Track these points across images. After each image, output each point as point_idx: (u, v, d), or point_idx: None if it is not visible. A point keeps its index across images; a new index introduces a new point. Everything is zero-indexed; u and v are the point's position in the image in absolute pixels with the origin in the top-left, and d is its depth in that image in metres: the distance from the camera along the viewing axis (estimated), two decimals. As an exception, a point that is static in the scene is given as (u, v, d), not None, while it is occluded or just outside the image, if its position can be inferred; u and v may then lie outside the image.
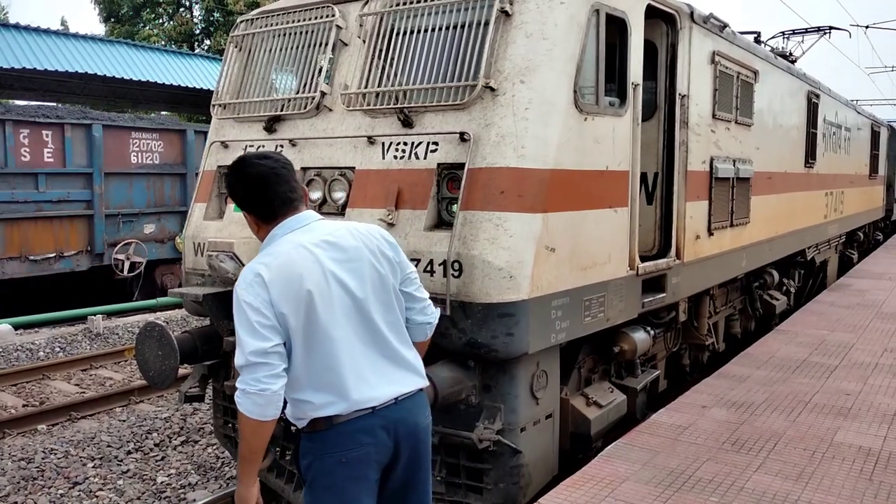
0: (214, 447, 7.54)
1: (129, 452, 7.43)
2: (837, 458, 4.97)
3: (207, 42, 33.72)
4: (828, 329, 9.09)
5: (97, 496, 6.52)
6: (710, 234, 6.81)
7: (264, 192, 2.81)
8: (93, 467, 7.06)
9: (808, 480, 4.61)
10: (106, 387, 9.92)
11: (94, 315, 12.54)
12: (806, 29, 13.80)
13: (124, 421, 8.25)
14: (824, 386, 6.68)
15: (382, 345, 2.79)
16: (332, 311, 2.68)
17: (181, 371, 6.13)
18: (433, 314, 3.07)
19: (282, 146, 5.42)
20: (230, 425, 5.90)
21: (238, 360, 2.65)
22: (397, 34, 5.01)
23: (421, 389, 2.91)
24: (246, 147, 5.67)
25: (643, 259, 5.69)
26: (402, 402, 2.80)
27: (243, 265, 5.10)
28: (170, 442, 7.72)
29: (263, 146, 5.55)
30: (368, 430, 2.73)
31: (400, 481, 2.86)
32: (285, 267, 2.66)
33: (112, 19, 33.93)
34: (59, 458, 7.19)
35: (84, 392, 9.63)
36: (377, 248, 2.84)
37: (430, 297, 4.44)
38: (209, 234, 5.63)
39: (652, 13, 5.65)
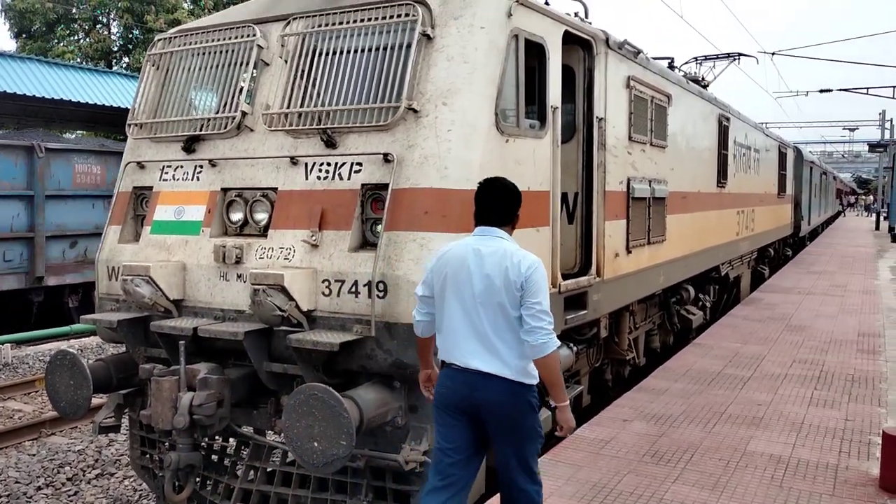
0: (132, 479, 7.24)
1: (39, 488, 7.04)
2: (750, 467, 5.18)
3: (126, 59, 32.77)
4: (741, 342, 9.48)
5: (3, 536, 6.16)
6: (629, 252, 7.03)
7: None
8: (-2, 505, 6.66)
9: (724, 489, 4.78)
10: (15, 419, 9.39)
11: (2, 343, 11.89)
12: (717, 55, 14.48)
13: (34, 455, 7.83)
14: (738, 397, 6.95)
15: (480, 331, 3.49)
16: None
17: (95, 401, 5.90)
18: (534, 336, 3.40)
19: (201, 166, 5.32)
20: (148, 456, 5.69)
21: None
22: (320, 55, 5.01)
23: (497, 375, 3.46)
24: (163, 167, 5.53)
25: (565, 277, 5.81)
26: (475, 374, 3.48)
27: (160, 290, 4.97)
28: (83, 476, 7.36)
29: (181, 166, 5.43)
30: (450, 377, 3.57)
31: (489, 435, 3.56)
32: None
33: (24, 35, 32.57)
34: (-40, 498, 6.76)
35: (-11, 425, 9.08)
36: (501, 268, 3.47)
37: (355, 319, 4.47)
38: (124, 258, 5.45)
39: (569, 39, 5.83)
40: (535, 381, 3.53)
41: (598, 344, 7.06)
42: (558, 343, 3.53)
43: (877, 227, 40.38)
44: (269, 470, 5.11)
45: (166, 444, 5.27)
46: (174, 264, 5.13)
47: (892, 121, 42.51)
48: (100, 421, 5.49)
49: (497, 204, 3.65)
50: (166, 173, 5.51)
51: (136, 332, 5.25)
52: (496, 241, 3.57)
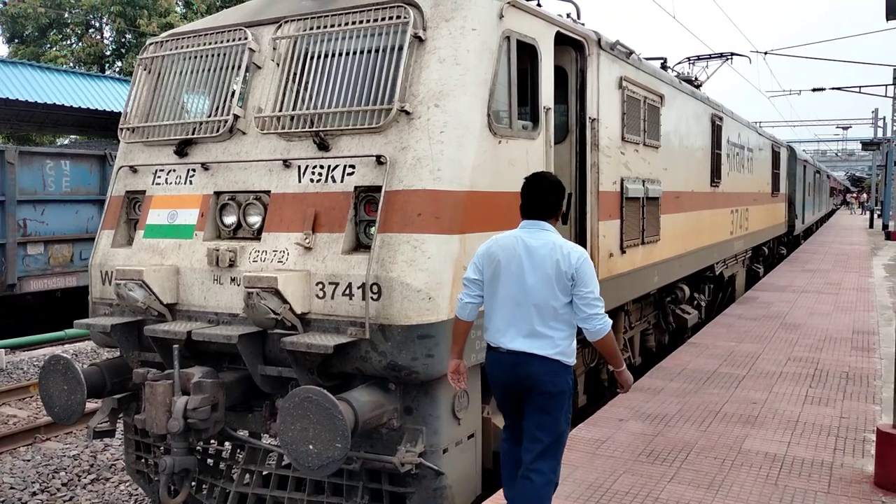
0: (127, 484, 7.22)
1: (33, 494, 7.02)
2: (746, 466, 5.19)
3: (119, 64, 32.72)
4: (736, 341, 9.50)
5: (-2, 543, 6.13)
6: (623, 251, 7.04)
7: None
8: (-7, 512, 6.64)
9: (719, 488, 4.79)
10: (9, 425, 9.35)
11: (-3, 349, 11.84)
12: (710, 55, 14.51)
13: (29, 461, 7.80)
14: (733, 395, 6.97)
15: (528, 318, 3.75)
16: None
17: (90, 405, 5.88)
18: (590, 322, 3.72)
19: (193, 170, 5.31)
20: (143, 460, 5.67)
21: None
22: (312, 58, 5.01)
23: (541, 355, 3.74)
24: (156, 171, 5.52)
25: (559, 278, 5.81)
26: (521, 354, 3.76)
27: (153, 293, 4.96)
28: (79, 481, 7.34)
29: (174, 170, 5.42)
30: (497, 360, 3.88)
31: (526, 407, 3.84)
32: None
33: (16, 40, 32.50)
34: (-46, 505, 6.73)
35: (-16, 432, 9.04)
36: (553, 261, 3.74)
37: (350, 322, 4.47)
38: (117, 262, 5.43)
39: (561, 40, 5.84)
40: (573, 363, 3.85)
41: (593, 344, 7.06)
42: (610, 322, 3.79)
43: (871, 225, 40.52)
44: (264, 473, 5.10)
45: (161, 448, 5.26)
46: (167, 268, 5.12)
47: (884, 119, 42.69)
48: (94, 426, 5.47)
49: (542, 198, 3.90)
50: (159, 177, 5.50)
51: (130, 336, 5.24)
52: (544, 234, 3.83)
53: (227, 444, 5.41)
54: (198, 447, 5.15)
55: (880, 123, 44.47)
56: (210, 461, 5.47)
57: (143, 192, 5.58)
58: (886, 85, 30.78)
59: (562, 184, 4.02)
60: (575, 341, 3.85)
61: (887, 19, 5.08)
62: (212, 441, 5.35)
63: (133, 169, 5.66)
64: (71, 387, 5.00)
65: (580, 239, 6.35)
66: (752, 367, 8.12)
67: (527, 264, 3.76)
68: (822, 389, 7.19)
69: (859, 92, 31.00)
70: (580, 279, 3.70)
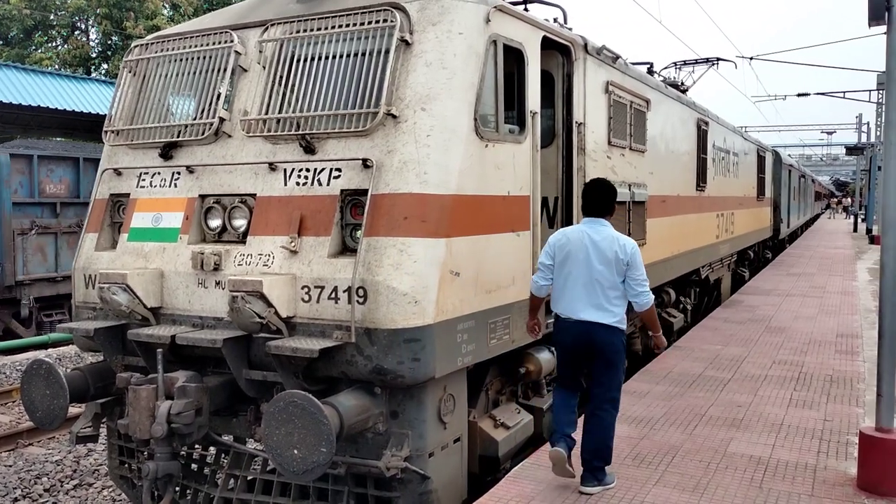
0: (110, 489, 7.16)
1: (15, 500, 6.95)
2: (731, 469, 5.21)
3: (105, 66, 32.51)
4: (722, 344, 9.55)
5: (-22, 550, 6.06)
6: (610, 255, 7.05)
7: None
8: (-26, 518, 6.56)
9: (704, 491, 4.80)
10: (-10, 430, 9.25)
11: (-22, 354, 11.71)
12: (696, 60, 14.60)
13: (10, 466, 7.72)
14: (718, 399, 7.00)
15: (594, 294, 4.73)
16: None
17: (73, 410, 5.83)
18: (640, 298, 4.77)
19: (178, 173, 5.28)
20: (126, 466, 5.62)
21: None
22: (298, 61, 5.00)
23: (604, 323, 4.72)
24: (140, 174, 5.49)
25: (546, 281, 5.82)
26: (588, 323, 4.72)
27: (137, 297, 4.93)
28: (61, 486, 7.27)
29: (159, 173, 5.39)
30: (567, 328, 4.83)
31: (591, 369, 4.86)
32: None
33: (1, 42, 32.23)
34: (-66, 511, 6.65)
35: (-35, 437, 8.94)
36: (611, 251, 4.73)
37: (335, 325, 4.46)
38: (101, 266, 5.39)
39: (548, 44, 5.86)
40: (625, 328, 4.83)
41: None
42: (653, 297, 4.83)
43: (855, 229, 40.90)
44: (249, 478, 5.07)
45: (145, 453, 5.22)
46: (152, 272, 5.08)
47: (868, 124, 43.14)
48: (77, 431, 5.43)
49: (601, 200, 4.86)
50: (143, 180, 5.47)
51: (114, 340, 5.20)
52: (603, 229, 4.80)
53: (211, 448, 5.37)
54: (182, 452, 5.11)
55: (864, 128, 44.93)
56: (194, 466, 5.44)
57: (128, 194, 5.54)
58: (870, 90, 31.06)
59: (615, 188, 4.96)
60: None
61: (869, 25, 5.12)
62: (196, 446, 5.31)
63: (117, 172, 5.62)
64: (53, 391, 4.96)
65: (566, 243, 6.36)
66: (738, 370, 8.16)
67: (593, 253, 4.72)
68: (806, 392, 7.24)
69: (843, 97, 31.29)
70: (632, 265, 4.72)
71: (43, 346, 13.58)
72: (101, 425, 5.57)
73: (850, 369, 8.22)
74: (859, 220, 42.44)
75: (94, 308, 5.39)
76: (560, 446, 4.74)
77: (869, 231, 33.44)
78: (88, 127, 21.00)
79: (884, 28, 5.03)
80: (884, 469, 4.74)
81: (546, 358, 5.88)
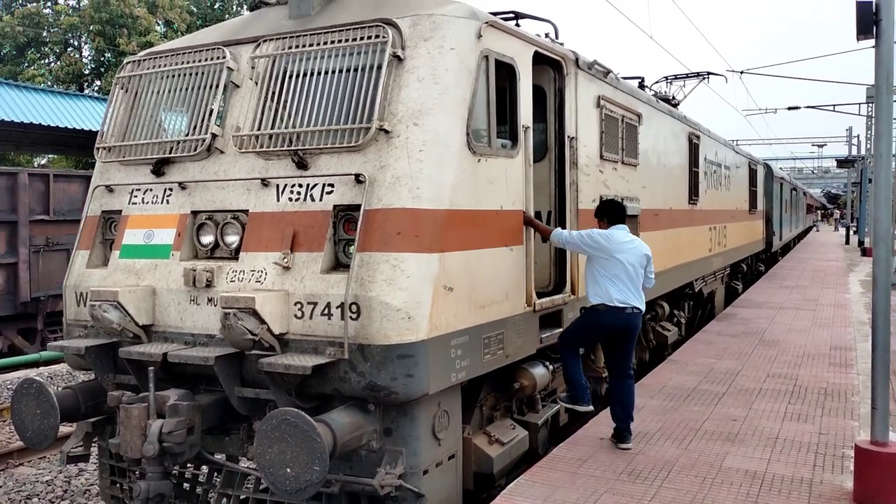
0: (102, 509, 7.07)
1: (4, 521, 6.85)
2: (726, 483, 5.18)
3: (98, 82, 32.52)
4: (716, 357, 9.55)
5: (-34, 572, 5.97)
6: (603, 269, 7.04)
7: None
8: (-38, 540, 6.47)
9: (701, 506, 4.77)
10: (-20, 450, 9.13)
11: (-31, 372, 11.59)
12: (686, 74, 14.69)
13: (1, 487, 7.62)
14: (713, 413, 6.98)
15: (635, 284, 5.87)
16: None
17: (64, 429, 5.77)
18: (650, 283, 6.13)
19: (170, 189, 5.26)
20: (118, 485, 5.56)
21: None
22: (290, 77, 5.00)
23: (640, 309, 5.91)
24: (132, 191, 5.46)
25: (539, 295, 5.82)
26: (632, 308, 5.82)
27: (129, 315, 4.89)
28: (52, 506, 7.18)
29: (151, 189, 5.37)
30: (614, 313, 5.82)
31: (619, 343, 6.00)
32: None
33: (-8, 59, 32.25)
34: (-78, 533, 6.55)
35: (-46, 457, 8.82)
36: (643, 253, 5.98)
37: (328, 342, 4.43)
38: (92, 283, 5.35)
39: (539, 59, 5.89)
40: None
41: (574, 362, 7.06)
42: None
43: (847, 242, 41.08)
44: (241, 497, 5.01)
45: (136, 472, 5.15)
46: (143, 289, 5.05)
47: (858, 137, 43.43)
48: (68, 450, 5.36)
49: (621, 213, 6.08)
50: (135, 197, 5.45)
51: (105, 358, 5.15)
52: (627, 234, 5.96)
53: (203, 467, 5.32)
54: (174, 471, 5.06)
55: (854, 141, 45.23)
56: (186, 485, 5.38)
57: (120, 211, 5.52)
58: (860, 103, 31.29)
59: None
60: None
61: (858, 39, 5.16)
62: (188, 465, 5.26)
63: (109, 188, 5.60)
64: (44, 410, 4.90)
65: (559, 257, 6.36)
66: (732, 383, 8.15)
67: (629, 252, 5.81)
68: (801, 406, 7.23)
69: (833, 110, 31.53)
70: (649, 261, 6.00)
71: (34, 364, 13.46)
72: (93, 445, 5.50)
73: (844, 382, 8.22)
74: (851, 232, 42.62)
75: (86, 326, 5.35)
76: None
77: (861, 243, 33.59)
78: (81, 144, 21.00)
79: (872, 42, 5.08)
80: (880, 483, 4.72)
81: (540, 373, 5.86)
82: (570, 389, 5.96)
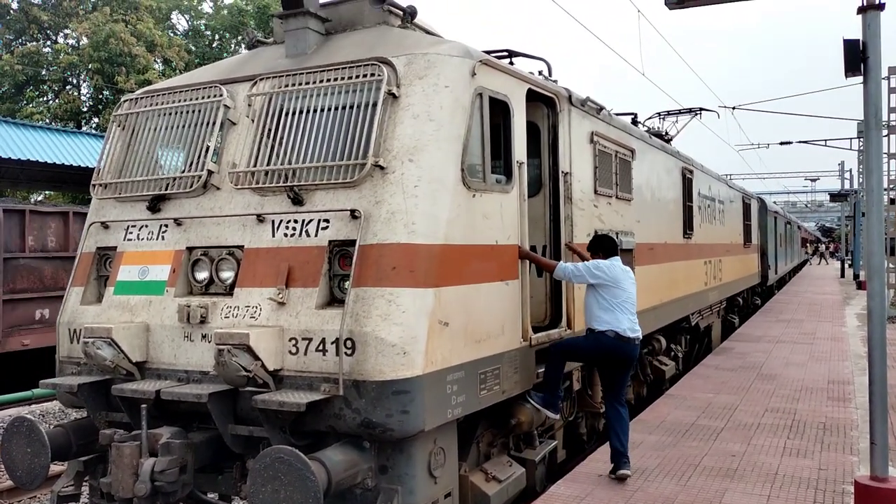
0: (92, 551, 6.93)
1: (-8, 564, 6.71)
2: (727, 520, 5.12)
3: (96, 120, 32.74)
4: (714, 392, 9.49)
5: None
6: (599, 304, 7.03)
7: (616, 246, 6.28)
8: (-52, 584, 6.32)
9: (701, 544, 4.70)
10: (-31, 490, 8.99)
11: (-41, 410, 11.45)
12: (679, 110, 14.86)
13: (-12, 528, 7.48)
14: (712, 448, 6.92)
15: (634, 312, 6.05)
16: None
17: (54, 468, 5.69)
18: None
19: (166, 225, 5.28)
20: (108, 526, 5.46)
21: None
22: (286, 114, 5.05)
23: (640, 337, 6.10)
24: (128, 227, 5.47)
25: (535, 330, 5.81)
26: (634, 338, 5.97)
27: (122, 352, 4.87)
28: (40, 548, 7.03)
29: (146, 226, 5.38)
30: (618, 343, 5.92)
31: (619, 370, 6.09)
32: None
33: (-9, 97, 32.47)
34: None
35: (-58, 498, 8.69)
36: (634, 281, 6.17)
37: (323, 378, 4.40)
38: (86, 320, 5.33)
39: (533, 96, 5.96)
40: None
41: (572, 397, 7.02)
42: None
43: (842, 275, 41.16)
44: (234, 537, 4.93)
45: (127, 512, 5.07)
46: (137, 325, 5.03)
47: (850, 171, 43.82)
48: (59, 490, 5.28)
49: (614, 245, 6.19)
50: (131, 233, 5.45)
51: (98, 396, 5.10)
52: (621, 264, 6.05)
53: (196, 507, 5.23)
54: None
55: (847, 175, 45.61)
56: None
57: (115, 248, 5.52)
58: (851, 138, 31.66)
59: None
60: None
61: (846, 76, 5.25)
62: (180, 504, 5.17)
63: (104, 225, 5.61)
64: (35, 449, 4.84)
65: (555, 292, 6.37)
66: (731, 418, 8.09)
67: (630, 281, 5.99)
68: (799, 441, 7.17)
69: (825, 145, 31.87)
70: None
71: (26, 401, 13.31)
72: (84, 484, 5.43)
73: (842, 416, 8.17)
74: (846, 265, 42.73)
75: (79, 363, 5.31)
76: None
77: (856, 276, 33.67)
78: (78, 180, 21.05)
79: (860, 78, 5.16)
80: (881, 518, 4.67)
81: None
82: (545, 391, 5.82)
